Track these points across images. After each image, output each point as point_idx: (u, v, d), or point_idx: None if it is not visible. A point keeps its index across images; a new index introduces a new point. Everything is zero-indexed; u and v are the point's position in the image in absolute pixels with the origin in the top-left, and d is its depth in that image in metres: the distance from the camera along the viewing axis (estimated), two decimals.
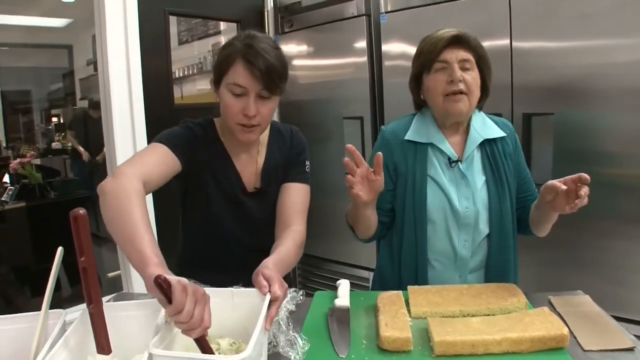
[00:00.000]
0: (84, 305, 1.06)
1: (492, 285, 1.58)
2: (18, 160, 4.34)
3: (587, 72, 2.33)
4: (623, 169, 2.28)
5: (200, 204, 1.78)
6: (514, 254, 1.80)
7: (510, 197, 1.75)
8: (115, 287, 3.23)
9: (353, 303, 1.56)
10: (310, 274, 3.82)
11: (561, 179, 1.49)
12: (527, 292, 1.53)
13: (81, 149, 5.39)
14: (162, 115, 3.10)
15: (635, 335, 1.31)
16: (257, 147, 1.80)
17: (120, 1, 2.93)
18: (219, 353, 1.19)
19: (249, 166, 1.78)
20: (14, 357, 1.21)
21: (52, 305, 1.23)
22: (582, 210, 2.36)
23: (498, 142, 1.78)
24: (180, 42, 4.95)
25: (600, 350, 1.24)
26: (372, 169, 1.53)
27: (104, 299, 1.07)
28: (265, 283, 1.26)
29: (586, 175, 1.44)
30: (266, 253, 1.57)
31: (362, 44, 3.30)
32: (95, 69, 5.27)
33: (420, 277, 1.77)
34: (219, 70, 1.60)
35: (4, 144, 5.66)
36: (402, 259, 1.81)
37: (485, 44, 2.52)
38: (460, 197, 1.74)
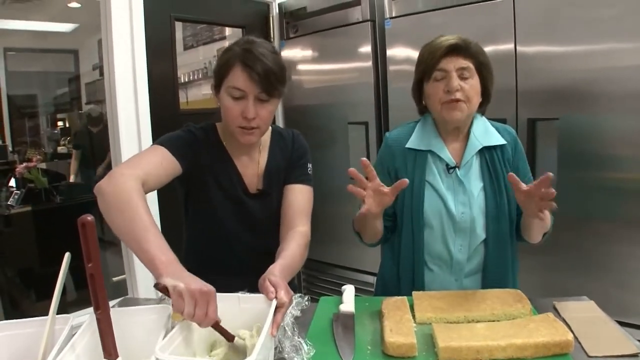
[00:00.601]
0: (90, 309, 1.06)
1: (497, 291, 1.58)
2: (24, 164, 4.36)
3: (591, 77, 2.33)
4: (628, 174, 2.28)
5: (203, 206, 1.80)
6: (512, 259, 1.81)
7: (509, 203, 1.76)
8: (120, 292, 3.23)
9: (358, 308, 1.56)
10: (315, 279, 3.82)
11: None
12: (531, 298, 1.53)
13: (72, 172, 5.48)
14: (168, 120, 3.11)
15: None
16: (258, 149, 1.83)
17: (126, 6, 2.94)
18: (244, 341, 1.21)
19: (251, 168, 1.81)
20: None
21: (58, 309, 1.23)
22: (587, 215, 2.37)
23: (498, 148, 1.78)
24: (186, 48, 4.98)
25: (605, 357, 1.24)
26: (384, 185, 1.55)
27: (110, 303, 1.08)
28: (272, 289, 1.27)
29: (550, 174, 1.43)
30: (270, 256, 1.60)
31: (367, 49, 3.30)
32: (101, 74, 5.30)
33: (417, 280, 1.80)
34: (219, 75, 1.64)
35: (10, 148, 5.68)
36: (400, 262, 1.84)
37: (490, 48, 2.54)
38: (457, 202, 1.76)
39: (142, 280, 3.06)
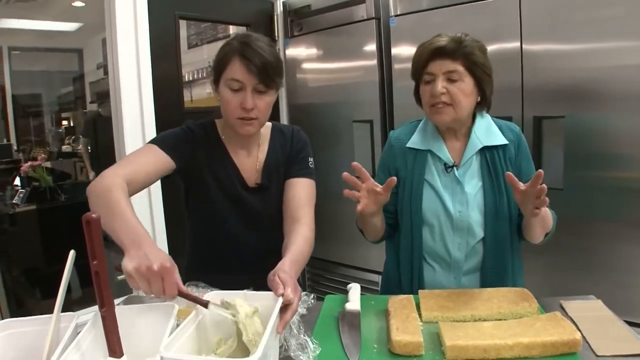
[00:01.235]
0: (94, 308, 1.06)
1: (504, 290, 1.57)
2: (29, 163, 4.36)
3: (597, 75, 2.32)
4: (634, 172, 2.26)
5: (203, 204, 1.83)
6: (512, 258, 1.81)
7: (509, 203, 1.76)
8: (125, 290, 3.23)
9: (364, 307, 1.56)
10: (320, 277, 3.81)
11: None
12: (538, 297, 1.52)
13: (88, 166, 5.33)
14: (172, 118, 3.10)
15: None
16: (257, 144, 1.86)
17: (130, 5, 2.94)
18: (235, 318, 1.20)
19: (249, 163, 1.84)
20: None
21: (63, 308, 1.23)
22: (593, 214, 2.36)
23: (499, 148, 1.78)
24: (190, 46, 4.98)
25: (613, 356, 1.23)
26: (377, 184, 1.59)
27: (115, 301, 1.07)
28: (281, 285, 1.27)
29: (541, 171, 1.42)
30: (273, 255, 1.60)
31: (371, 47, 3.29)
32: (105, 73, 5.30)
33: (416, 278, 1.81)
34: (218, 68, 1.68)
35: (15, 147, 5.69)
36: (400, 260, 1.86)
37: (495, 46, 2.54)
38: (455, 201, 1.77)
39: None
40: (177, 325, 1.14)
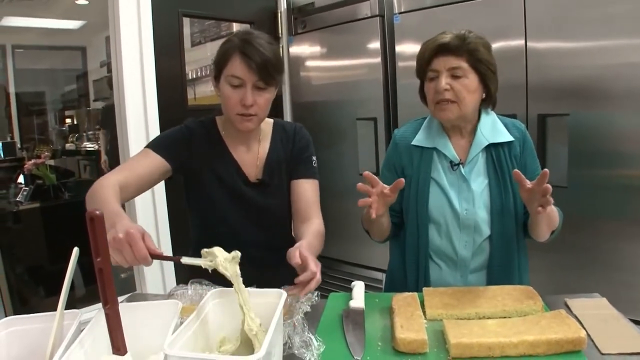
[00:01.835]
0: (98, 305, 1.06)
1: (508, 287, 1.57)
2: (32, 161, 4.36)
3: (602, 73, 2.31)
4: (639, 171, 2.25)
5: (204, 200, 1.85)
6: (519, 256, 1.80)
7: (515, 200, 1.75)
8: (128, 288, 3.24)
9: (368, 305, 1.56)
10: (324, 275, 3.73)
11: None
12: (543, 295, 1.52)
13: (104, 154, 5.24)
14: (176, 116, 3.09)
15: None
16: (257, 139, 1.88)
17: (134, 3, 2.94)
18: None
19: (250, 158, 1.86)
20: (29, 357, 1.21)
21: (67, 305, 1.23)
22: (598, 212, 2.36)
23: (505, 145, 1.78)
24: (193, 44, 4.97)
25: (618, 354, 1.22)
26: (385, 186, 1.57)
27: (119, 299, 1.07)
28: (298, 254, 1.44)
29: (546, 170, 1.42)
30: (275, 251, 1.69)
31: (375, 44, 3.29)
32: (109, 71, 5.29)
33: (422, 276, 1.81)
34: (218, 65, 1.71)
35: (18, 145, 5.69)
36: (406, 258, 1.86)
37: (500, 44, 2.53)
38: (461, 199, 1.76)
39: (150, 276, 3.06)
40: (181, 323, 1.14)
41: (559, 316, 1.33)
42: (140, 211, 2.96)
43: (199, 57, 4.79)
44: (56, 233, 4.01)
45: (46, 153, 4.68)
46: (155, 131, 3.02)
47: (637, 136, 2.24)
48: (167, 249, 3.06)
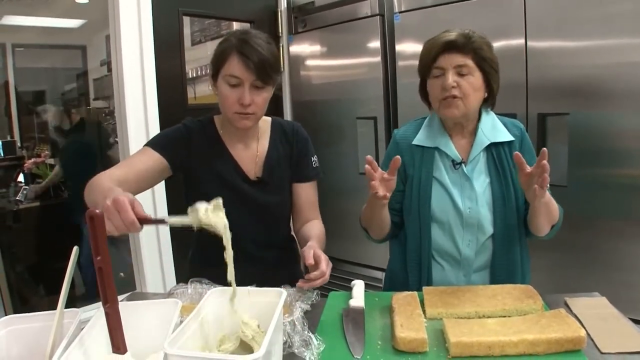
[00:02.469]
0: (98, 304, 1.06)
1: (508, 287, 1.57)
2: (32, 160, 4.36)
3: (602, 72, 2.31)
4: (639, 170, 2.25)
5: (204, 199, 1.82)
6: (521, 254, 1.81)
7: (517, 199, 1.76)
8: (128, 287, 3.24)
9: (368, 304, 1.56)
10: None
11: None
12: (543, 294, 1.52)
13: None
14: (176, 115, 3.08)
15: None
16: (256, 137, 1.89)
17: (134, 2, 2.94)
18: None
19: (249, 156, 1.87)
20: (29, 356, 1.21)
21: (66, 304, 1.23)
22: (598, 211, 2.35)
23: (505, 144, 1.78)
24: (194, 43, 4.96)
25: (618, 353, 1.23)
26: (385, 172, 1.58)
27: (118, 298, 1.07)
28: (311, 256, 1.54)
29: (544, 149, 1.46)
30: (275, 249, 1.82)
31: (375, 44, 3.28)
32: (109, 70, 5.28)
33: (424, 276, 1.81)
34: (216, 64, 1.73)
35: (18, 144, 5.68)
36: (407, 258, 1.86)
37: (500, 43, 2.53)
38: (464, 198, 1.76)
39: (150, 275, 3.06)
40: (181, 322, 1.14)
41: (558, 315, 1.33)
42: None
43: (199, 56, 4.79)
44: (56, 232, 4.01)
45: (46, 152, 4.67)
46: (155, 130, 3.02)
47: (637, 136, 2.23)
48: (167, 248, 3.06)
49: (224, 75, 1.69)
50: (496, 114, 1.86)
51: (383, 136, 3.30)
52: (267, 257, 1.82)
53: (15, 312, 1.28)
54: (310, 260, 1.53)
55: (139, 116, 3.00)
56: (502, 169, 1.75)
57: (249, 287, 1.28)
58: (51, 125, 4.94)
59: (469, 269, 1.78)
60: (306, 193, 1.94)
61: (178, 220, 1.22)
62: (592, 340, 1.29)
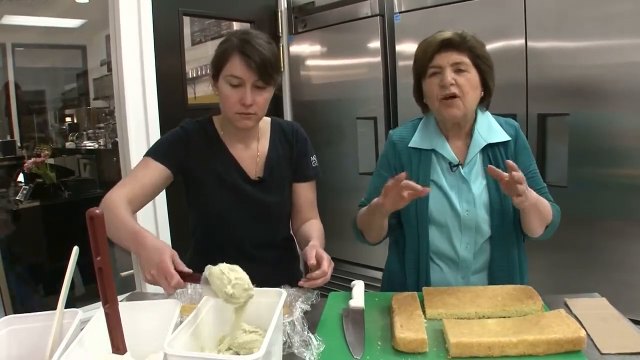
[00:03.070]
0: (98, 304, 1.06)
1: (508, 287, 1.57)
2: (32, 159, 4.35)
3: (603, 73, 2.31)
4: (639, 170, 2.25)
5: (203, 199, 1.87)
6: (519, 255, 1.80)
7: None
8: (129, 287, 3.24)
9: (368, 304, 1.56)
10: None
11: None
12: (543, 294, 1.52)
13: None
14: (176, 115, 3.08)
15: None
16: (256, 137, 1.90)
17: (134, 2, 2.94)
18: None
19: (249, 156, 1.87)
20: (29, 356, 1.21)
21: (66, 304, 1.24)
22: (598, 211, 2.35)
23: (501, 145, 1.78)
24: (194, 43, 4.96)
25: (618, 354, 1.23)
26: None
27: (118, 298, 1.07)
28: (314, 255, 1.56)
29: (507, 161, 1.48)
30: (275, 248, 1.85)
31: (375, 44, 3.28)
32: (109, 70, 5.28)
33: (422, 278, 1.80)
34: (217, 64, 1.73)
35: (18, 144, 5.68)
36: (405, 260, 1.85)
37: (500, 43, 2.53)
38: (461, 200, 1.76)
39: None
40: (181, 322, 1.14)
41: (559, 316, 1.33)
42: (140, 211, 2.95)
43: (199, 56, 4.78)
44: (56, 232, 4.01)
45: (46, 152, 4.67)
46: (155, 130, 3.02)
47: (637, 136, 2.23)
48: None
49: (226, 76, 1.69)
50: (496, 114, 1.85)
51: (383, 136, 3.30)
52: (267, 257, 1.82)
53: (15, 312, 1.28)
54: (312, 261, 1.53)
55: (139, 116, 3.00)
56: (501, 168, 1.75)
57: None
58: None
59: (467, 271, 1.78)
60: (305, 193, 1.95)
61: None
62: (592, 340, 1.28)
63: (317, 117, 3.73)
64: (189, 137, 1.81)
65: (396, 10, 3.15)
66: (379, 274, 3.30)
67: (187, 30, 4.59)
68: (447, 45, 1.69)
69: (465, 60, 1.68)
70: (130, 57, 2.95)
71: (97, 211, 0.99)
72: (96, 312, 1.16)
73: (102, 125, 5.69)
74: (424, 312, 1.47)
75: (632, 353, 1.23)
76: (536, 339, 1.22)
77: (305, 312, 1.42)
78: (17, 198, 4.18)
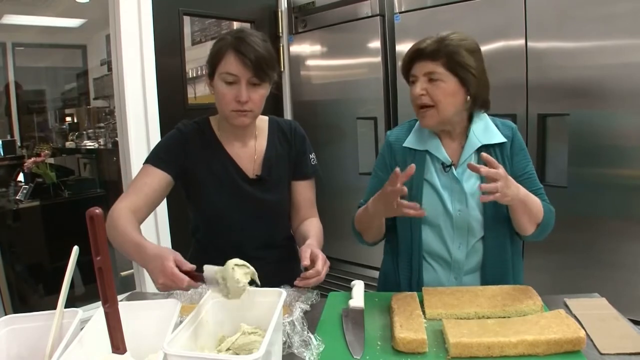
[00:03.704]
0: (97, 304, 1.06)
1: (508, 287, 1.57)
2: (32, 159, 4.36)
3: (603, 73, 2.31)
4: (639, 170, 2.25)
5: (202, 198, 1.87)
6: (512, 256, 1.80)
7: None
8: (128, 286, 3.24)
9: (367, 304, 1.55)
10: None
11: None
12: (542, 295, 1.52)
13: None
14: (176, 115, 3.09)
15: None
16: (253, 135, 1.90)
17: (134, 1, 2.94)
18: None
19: (246, 154, 1.87)
20: (29, 355, 1.21)
21: (66, 304, 1.24)
22: (598, 211, 2.35)
23: (497, 146, 1.78)
24: (194, 43, 4.97)
25: (618, 354, 1.23)
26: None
27: (118, 297, 1.07)
28: (308, 257, 1.54)
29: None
30: (275, 248, 1.86)
31: (376, 44, 3.29)
32: (109, 69, 5.28)
33: (415, 278, 1.81)
34: (213, 62, 1.74)
35: (18, 143, 5.68)
36: (399, 260, 1.86)
37: (500, 44, 2.54)
38: (454, 200, 1.76)
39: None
40: (180, 322, 1.14)
41: (558, 316, 1.33)
42: None
43: (199, 55, 4.78)
44: (56, 231, 4.02)
45: (46, 151, 4.67)
46: (155, 129, 3.02)
47: (637, 136, 2.23)
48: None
49: (221, 73, 1.70)
50: (496, 114, 1.85)
51: (383, 136, 3.28)
52: (266, 257, 1.82)
53: (15, 311, 1.28)
54: (306, 261, 1.52)
55: (139, 116, 3.00)
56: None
57: (248, 287, 1.28)
58: None
59: (459, 271, 1.78)
60: (305, 191, 1.95)
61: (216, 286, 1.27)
62: (592, 341, 1.28)
63: (317, 117, 3.73)
64: (186, 139, 1.82)
65: (396, 10, 3.15)
66: (377, 274, 3.31)
67: (187, 30, 4.59)
68: (420, 55, 1.71)
69: (439, 69, 1.68)
70: (130, 57, 2.95)
71: (97, 211, 0.99)
72: (96, 312, 1.16)
73: (102, 124, 5.70)
74: (423, 312, 1.47)
75: (631, 353, 1.22)
76: (536, 339, 1.22)
77: (305, 312, 1.42)
78: (17, 197, 4.18)
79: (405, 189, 1.54)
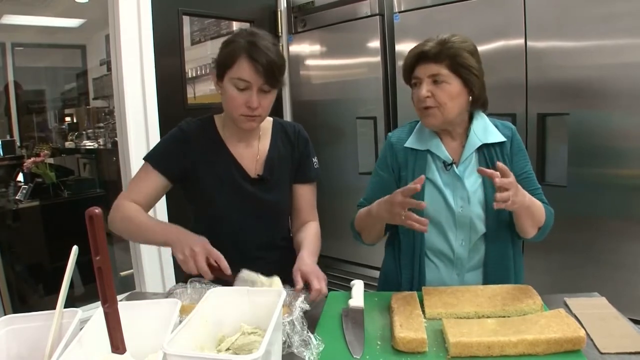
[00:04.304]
0: (97, 304, 1.06)
1: (508, 287, 1.57)
2: (32, 159, 4.36)
3: (602, 72, 2.31)
4: (639, 170, 2.25)
5: (203, 197, 1.87)
6: (514, 253, 1.81)
7: None
8: (128, 286, 3.24)
9: (367, 304, 1.55)
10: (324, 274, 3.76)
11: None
12: (542, 294, 1.52)
13: None
14: (175, 115, 3.08)
15: None
16: (257, 136, 1.90)
17: (134, 1, 2.94)
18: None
19: (249, 154, 1.87)
20: (28, 355, 1.21)
21: (65, 304, 1.23)
22: (598, 211, 2.35)
23: (497, 145, 1.79)
24: (193, 42, 4.97)
25: (618, 353, 1.23)
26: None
27: (118, 297, 1.07)
28: (300, 280, 1.55)
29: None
30: (275, 249, 1.86)
31: (375, 43, 3.29)
32: (109, 69, 5.28)
33: (417, 275, 1.81)
34: (223, 65, 1.71)
35: (18, 143, 5.68)
36: (401, 258, 1.86)
37: (500, 43, 2.53)
38: (456, 197, 1.77)
39: (150, 275, 3.06)
40: (180, 322, 1.14)
41: (558, 315, 1.33)
42: None
43: (198, 55, 4.79)
44: (55, 231, 4.01)
45: (46, 151, 4.67)
46: (154, 129, 3.02)
47: (637, 136, 2.24)
48: (166, 248, 3.05)
49: (232, 78, 1.68)
50: (496, 114, 1.86)
51: (383, 136, 3.30)
52: (267, 257, 1.82)
53: (15, 311, 1.28)
54: (299, 286, 1.53)
55: (139, 116, 3.00)
56: (494, 169, 1.75)
57: (248, 288, 1.28)
58: None
59: (462, 268, 1.79)
60: (306, 194, 1.95)
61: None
62: (592, 340, 1.28)
63: (317, 117, 3.73)
64: (187, 138, 1.81)
65: (396, 10, 3.15)
66: (377, 274, 3.31)
67: (186, 30, 4.59)
68: (424, 57, 1.71)
69: (443, 71, 1.69)
70: (129, 57, 2.95)
71: (96, 210, 0.99)
72: (95, 312, 1.16)
73: (101, 124, 5.70)
74: (423, 311, 1.46)
75: (631, 352, 1.22)
76: (536, 338, 1.22)
77: (305, 312, 1.41)
78: (16, 197, 4.18)
79: (424, 204, 1.56)
